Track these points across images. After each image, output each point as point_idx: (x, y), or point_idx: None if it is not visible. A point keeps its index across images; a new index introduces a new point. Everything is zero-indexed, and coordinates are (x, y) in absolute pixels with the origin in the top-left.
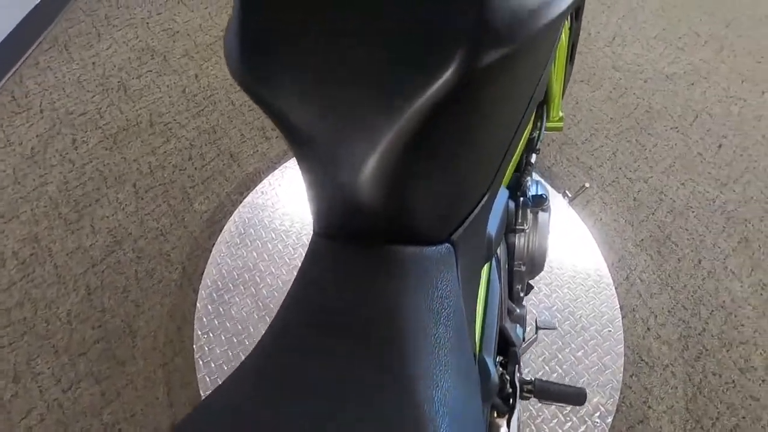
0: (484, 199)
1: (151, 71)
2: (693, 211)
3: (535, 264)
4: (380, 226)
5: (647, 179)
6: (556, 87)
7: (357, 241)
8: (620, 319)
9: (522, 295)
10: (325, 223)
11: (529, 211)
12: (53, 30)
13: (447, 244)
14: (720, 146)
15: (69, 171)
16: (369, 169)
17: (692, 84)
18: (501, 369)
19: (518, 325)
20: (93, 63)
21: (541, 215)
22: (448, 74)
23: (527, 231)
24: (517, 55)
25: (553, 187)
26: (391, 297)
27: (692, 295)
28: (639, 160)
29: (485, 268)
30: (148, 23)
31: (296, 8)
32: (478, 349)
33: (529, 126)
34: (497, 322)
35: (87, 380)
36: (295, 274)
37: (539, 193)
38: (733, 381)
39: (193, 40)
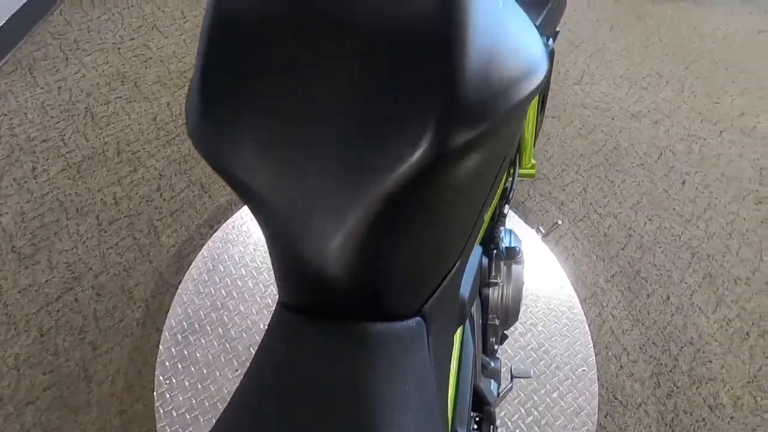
0: (457, 264)
1: (120, 97)
2: (660, 247)
3: (510, 315)
4: (347, 301)
5: (617, 215)
6: (528, 136)
7: (323, 316)
8: (594, 357)
9: (496, 347)
10: (290, 295)
11: (502, 263)
12: (17, 52)
13: (418, 318)
14: (683, 183)
15: (26, 201)
16: (336, 244)
17: (656, 122)
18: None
19: (492, 380)
20: (59, 88)
21: (515, 267)
22: (418, 154)
23: (501, 284)
24: (489, 133)
25: (526, 222)
26: (358, 379)
27: (662, 332)
28: (608, 196)
29: (458, 329)
30: (119, 48)
31: (261, 76)
32: (450, 423)
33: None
34: (471, 383)
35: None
36: (266, 316)
37: (512, 245)
38: (704, 419)
39: (167, 67)
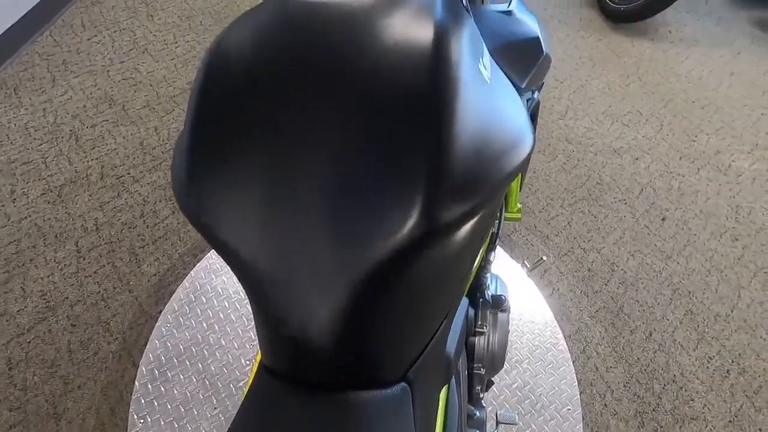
0: (443, 325)
1: (107, 121)
2: (642, 283)
3: (496, 363)
4: (331, 369)
5: (600, 250)
6: (515, 183)
7: (306, 383)
8: (578, 395)
9: (482, 396)
10: (273, 359)
11: (489, 311)
12: (3, 72)
13: (403, 384)
14: (663, 219)
15: (2, 226)
16: (321, 314)
17: (637, 159)
18: None
19: (478, 431)
20: (44, 109)
21: (501, 315)
22: (406, 231)
23: (487, 333)
24: (477, 207)
25: (512, 256)
26: None
27: (645, 369)
28: (592, 231)
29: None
30: (108, 71)
31: (251, 138)
32: None
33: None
34: None
35: None
36: (248, 350)
37: (499, 292)
38: None
39: (156, 91)
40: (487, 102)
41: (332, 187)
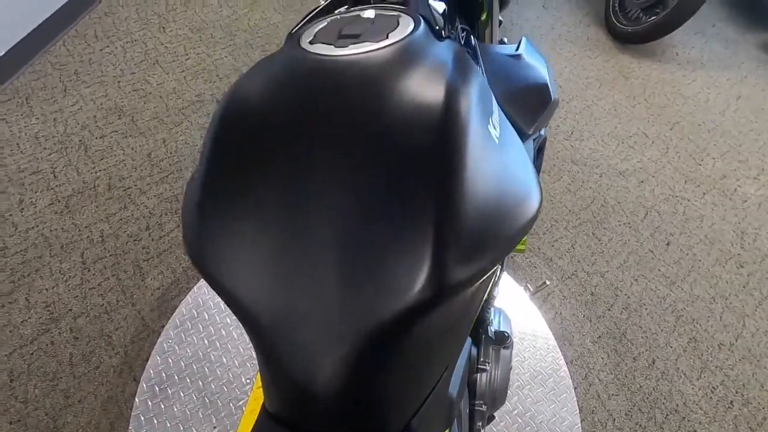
0: (446, 372)
1: (116, 132)
2: (646, 308)
3: (498, 400)
4: (334, 419)
5: (603, 274)
6: None
7: (308, 431)
8: (579, 424)
9: (482, 431)
10: (275, 405)
11: (491, 348)
12: (16, 81)
13: None
14: (668, 244)
15: (9, 235)
16: (326, 368)
17: (642, 182)
18: None
19: None
20: (54, 119)
21: (504, 351)
22: (415, 293)
23: (489, 369)
24: (487, 268)
25: (515, 279)
26: None
27: (647, 398)
28: (596, 254)
29: None
30: (119, 82)
31: (263, 188)
32: None
33: None
34: None
35: None
36: (249, 369)
37: (502, 328)
38: None
39: (165, 103)
40: (495, 163)
41: (342, 242)
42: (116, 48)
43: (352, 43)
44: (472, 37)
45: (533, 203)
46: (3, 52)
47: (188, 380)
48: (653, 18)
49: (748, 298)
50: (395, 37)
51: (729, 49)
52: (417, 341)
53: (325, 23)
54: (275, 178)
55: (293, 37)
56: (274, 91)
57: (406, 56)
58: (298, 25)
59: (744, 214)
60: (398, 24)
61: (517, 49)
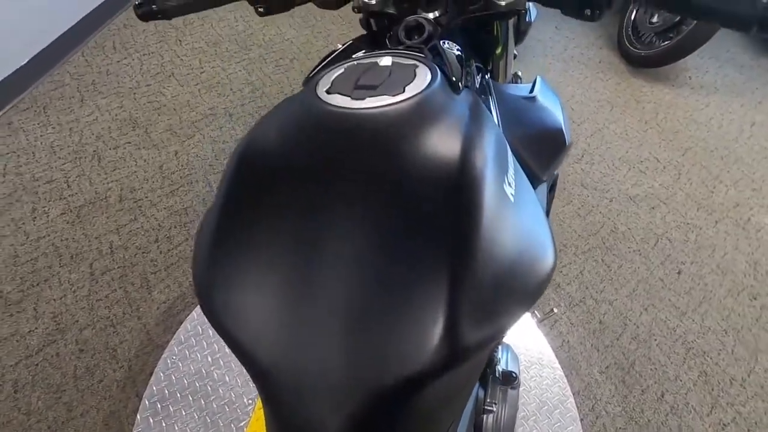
0: (452, 424)
1: (129, 143)
2: (655, 339)
3: None
4: None
5: (612, 302)
6: None
7: None
8: None
9: None
10: None
11: (498, 389)
12: (34, 90)
13: None
14: (679, 273)
15: (21, 243)
16: (333, 420)
17: (653, 208)
18: None
19: None
20: (70, 129)
21: (511, 392)
22: (425, 355)
23: (496, 411)
24: (500, 332)
25: None
26: None
27: None
28: (605, 281)
29: None
30: (135, 93)
31: (274, 248)
32: None
33: None
34: None
35: None
36: (251, 389)
37: (509, 368)
38: None
39: (179, 116)
40: (510, 223)
41: (353, 300)
42: (133, 60)
43: (368, 96)
44: (486, 77)
45: (548, 262)
46: (24, 62)
47: (190, 398)
48: (667, 42)
49: (761, 332)
50: (412, 90)
51: (743, 74)
52: (426, 400)
53: (342, 70)
54: (288, 229)
55: (310, 83)
56: (291, 141)
57: (422, 112)
58: (315, 69)
59: (757, 244)
60: (415, 75)
61: (531, 90)
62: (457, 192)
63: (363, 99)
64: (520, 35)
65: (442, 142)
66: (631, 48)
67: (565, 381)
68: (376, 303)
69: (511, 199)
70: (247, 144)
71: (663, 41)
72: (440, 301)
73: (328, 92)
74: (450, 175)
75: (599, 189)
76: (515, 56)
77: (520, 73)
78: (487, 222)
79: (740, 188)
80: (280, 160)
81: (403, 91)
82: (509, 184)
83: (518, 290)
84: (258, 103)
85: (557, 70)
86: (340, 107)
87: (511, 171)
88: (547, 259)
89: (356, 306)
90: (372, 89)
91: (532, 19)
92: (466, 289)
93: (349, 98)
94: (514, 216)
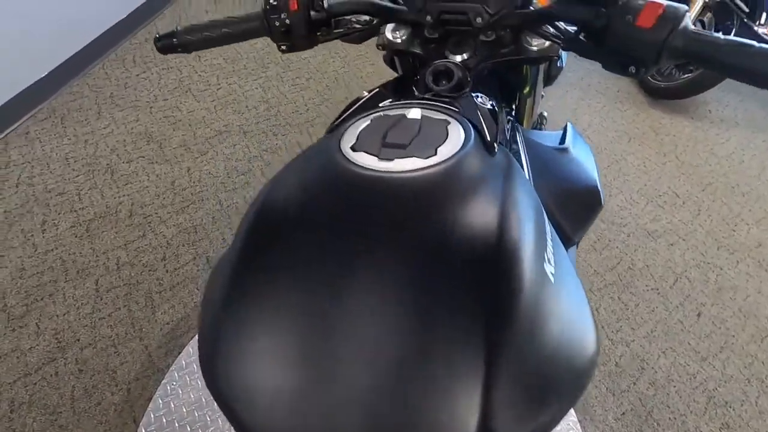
0: None
1: (143, 157)
2: (674, 386)
3: None
4: None
5: (629, 343)
6: None
7: None
8: None
9: None
10: None
11: None
12: (54, 101)
13: None
14: (699, 315)
15: (29, 256)
16: None
17: (672, 244)
18: None
19: None
20: (85, 141)
21: None
22: None
23: None
24: (546, 428)
25: None
26: None
27: None
28: (621, 320)
29: None
30: (151, 108)
31: (285, 327)
32: None
33: None
34: None
35: None
36: None
37: None
38: None
39: (193, 132)
40: (550, 307)
41: (372, 384)
42: (152, 74)
43: (397, 156)
44: (517, 127)
45: (590, 351)
46: (45, 73)
47: (188, 428)
48: (687, 75)
49: None
50: (444, 153)
51: (765, 109)
52: None
53: (368, 122)
54: (306, 297)
55: (335, 135)
56: (314, 200)
57: (456, 178)
58: (340, 117)
59: None
60: (447, 135)
61: (562, 140)
62: (494, 270)
63: (391, 160)
64: (549, 79)
65: (478, 214)
66: (651, 79)
67: (579, 428)
68: (400, 392)
69: (552, 279)
70: (267, 200)
71: (683, 74)
72: (475, 393)
73: (353, 149)
74: (488, 252)
75: (616, 223)
76: (542, 96)
77: (545, 114)
78: (526, 306)
79: (763, 227)
80: (301, 223)
81: (435, 153)
82: (549, 261)
83: (559, 384)
84: (272, 122)
85: (574, 98)
86: (367, 168)
87: (549, 247)
88: (589, 348)
89: (375, 389)
90: (401, 148)
91: (564, 64)
92: (505, 378)
93: (376, 158)
94: (554, 299)
